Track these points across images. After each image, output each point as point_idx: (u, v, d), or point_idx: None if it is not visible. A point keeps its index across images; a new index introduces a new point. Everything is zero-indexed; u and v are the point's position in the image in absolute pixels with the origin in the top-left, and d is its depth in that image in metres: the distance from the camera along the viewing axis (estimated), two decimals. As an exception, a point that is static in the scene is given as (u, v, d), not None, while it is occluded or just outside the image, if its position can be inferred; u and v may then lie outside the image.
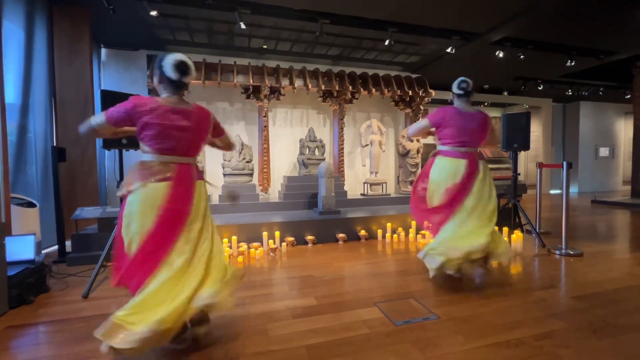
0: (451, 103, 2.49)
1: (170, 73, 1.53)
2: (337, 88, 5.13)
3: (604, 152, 9.63)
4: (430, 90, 5.49)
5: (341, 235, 3.70)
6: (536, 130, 8.70)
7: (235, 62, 4.93)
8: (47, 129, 3.69)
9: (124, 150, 2.70)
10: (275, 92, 5.00)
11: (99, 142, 4.02)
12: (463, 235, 2.23)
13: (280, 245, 3.42)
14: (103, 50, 4.86)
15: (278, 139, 5.46)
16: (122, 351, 1.28)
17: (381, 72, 5.68)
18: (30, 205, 3.04)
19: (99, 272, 2.43)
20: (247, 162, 4.58)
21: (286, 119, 5.56)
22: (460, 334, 1.68)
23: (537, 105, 8.69)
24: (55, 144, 3.78)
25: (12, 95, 3.15)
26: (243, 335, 1.69)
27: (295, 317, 1.89)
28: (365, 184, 5.12)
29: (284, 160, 5.47)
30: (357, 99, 5.39)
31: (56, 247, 3.19)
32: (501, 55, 4.98)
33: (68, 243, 3.12)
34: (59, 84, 3.83)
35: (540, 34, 4.82)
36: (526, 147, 3.70)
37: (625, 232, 4.26)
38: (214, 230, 1.67)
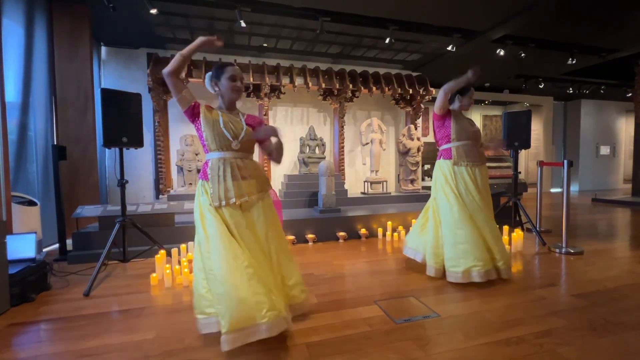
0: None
1: None
2: (337, 86, 5.13)
3: (604, 150, 9.61)
4: (431, 89, 5.48)
5: (341, 233, 3.71)
6: (537, 128, 8.68)
7: (235, 60, 4.92)
8: (47, 128, 3.69)
9: (124, 149, 2.70)
10: (275, 90, 5.00)
11: (99, 140, 4.03)
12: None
13: (281, 243, 3.42)
14: (103, 49, 4.85)
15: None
16: None
17: (382, 71, 5.67)
18: (31, 203, 3.05)
19: (100, 271, 2.44)
20: (248, 160, 4.58)
21: (286, 117, 5.56)
22: (460, 332, 1.69)
23: (538, 103, 8.67)
24: (55, 143, 3.78)
25: (12, 93, 3.15)
26: (244, 333, 1.69)
27: (296, 315, 1.89)
28: (366, 183, 5.13)
29: (284, 159, 5.45)
30: (357, 97, 5.38)
31: (57, 245, 3.20)
32: (502, 53, 4.97)
33: (69, 241, 3.12)
34: (59, 82, 3.83)
35: (541, 32, 4.80)
36: (527, 145, 3.70)
37: (626, 230, 4.26)
38: None
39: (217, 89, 1.71)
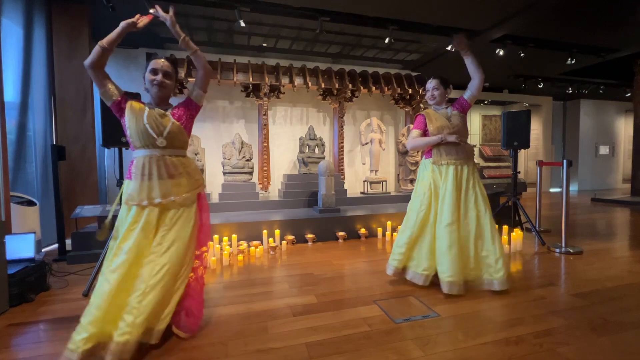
0: (451, 102, 2.49)
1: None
2: (337, 86, 5.12)
3: (604, 150, 9.63)
4: (430, 88, 5.47)
5: (341, 233, 3.71)
6: (536, 128, 8.69)
7: (235, 60, 4.92)
8: (46, 127, 3.68)
9: (123, 149, 2.70)
10: (275, 90, 5.00)
11: (98, 140, 4.02)
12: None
13: (280, 243, 3.42)
14: (102, 48, 4.84)
15: (278, 138, 5.45)
16: None
17: (381, 70, 5.67)
18: (30, 203, 3.04)
19: (99, 271, 2.43)
20: (247, 160, 4.58)
21: (286, 117, 5.56)
22: (460, 332, 1.69)
23: (538, 103, 8.67)
24: (54, 142, 3.78)
25: (11, 93, 3.14)
26: (243, 333, 1.69)
27: (296, 315, 1.89)
28: (365, 182, 5.13)
29: (283, 159, 5.47)
30: (357, 97, 5.38)
31: (56, 245, 3.20)
32: (501, 53, 4.97)
33: (68, 241, 3.12)
34: (58, 82, 3.83)
35: (540, 32, 4.80)
36: (526, 145, 3.70)
37: (625, 230, 4.26)
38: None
39: (145, 83, 1.64)
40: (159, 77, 1.60)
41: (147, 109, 1.60)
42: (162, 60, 1.64)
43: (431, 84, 2.42)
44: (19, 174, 3.26)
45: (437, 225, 2.23)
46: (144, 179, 1.54)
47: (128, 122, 1.56)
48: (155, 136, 1.55)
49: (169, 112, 1.64)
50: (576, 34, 4.88)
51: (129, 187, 1.57)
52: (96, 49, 1.50)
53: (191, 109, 1.70)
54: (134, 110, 1.57)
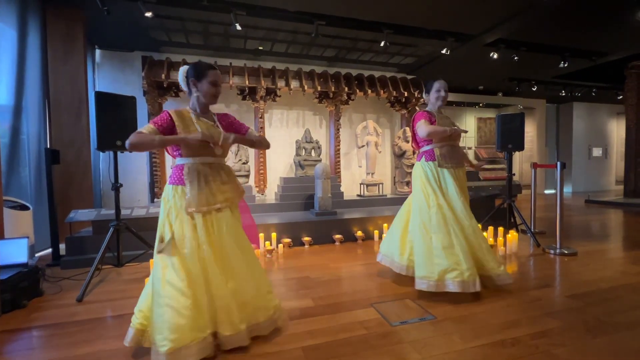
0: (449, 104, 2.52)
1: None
2: (333, 89, 5.14)
3: (597, 152, 9.74)
4: (426, 92, 5.52)
5: (338, 236, 3.70)
6: (530, 130, 8.78)
7: (231, 63, 4.92)
8: (40, 131, 3.65)
9: (118, 152, 2.68)
10: (271, 93, 5.01)
11: (93, 144, 3.99)
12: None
13: (277, 246, 3.41)
14: (97, 52, 4.82)
15: (274, 140, 5.43)
16: None
17: (377, 74, 5.70)
18: (24, 208, 3.01)
19: (94, 275, 2.41)
20: (244, 163, 4.58)
21: (282, 120, 5.56)
22: (456, 334, 1.69)
23: (531, 106, 8.76)
24: (48, 146, 3.74)
25: (5, 96, 3.12)
26: (240, 338, 1.68)
27: (292, 319, 1.88)
28: (362, 185, 5.13)
29: (280, 162, 5.47)
30: (353, 100, 5.41)
31: (50, 250, 3.16)
32: (495, 56, 5.02)
33: (62, 246, 3.08)
34: (52, 86, 3.80)
35: (533, 36, 4.87)
36: (520, 147, 3.73)
37: (619, 231, 4.30)
38: None
39: (194, 89, 1.65)
40: (220, 89, 1.68)
41: (194, 119, 1.63)
42: (218, 71, 1.67)
43: (444, 85, 2.41)
44: (12, 178, 3.22)
45: (449, 227, 2.25)
46: (200, 186, 1.57)
47: (181, 131, 1.58)
48: (212, 146, 1.60)
49: (217, 123, 1.70)
50: (568, 38, 4.95)
51: (188, 193, 1.56)
52: (150, 142, 1.49)
53: (237, 130, 1.77)
54: (184, 120, 1.61)
